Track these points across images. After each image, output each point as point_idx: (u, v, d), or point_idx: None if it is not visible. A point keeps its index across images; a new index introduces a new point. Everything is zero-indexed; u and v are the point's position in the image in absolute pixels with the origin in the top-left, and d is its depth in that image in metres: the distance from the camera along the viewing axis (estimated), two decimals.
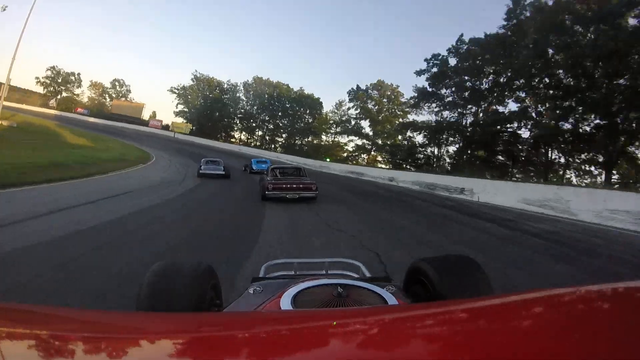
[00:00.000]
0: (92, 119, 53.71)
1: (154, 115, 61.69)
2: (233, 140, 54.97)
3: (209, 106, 54.69)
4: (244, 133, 56.25)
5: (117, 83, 63.77)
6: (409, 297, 1.13)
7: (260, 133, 55.02)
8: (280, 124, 52.56)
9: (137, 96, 77.25)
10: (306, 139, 50.76)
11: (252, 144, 53.30)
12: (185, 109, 56.49)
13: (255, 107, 53.64)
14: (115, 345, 0.46)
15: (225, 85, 55.64)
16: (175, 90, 55.86)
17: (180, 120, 56.50)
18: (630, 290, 0.66)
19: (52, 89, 60.16)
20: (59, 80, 60.11)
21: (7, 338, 0.46)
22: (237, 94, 55.08)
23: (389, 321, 0.59)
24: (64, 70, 60.52)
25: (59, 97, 60.78)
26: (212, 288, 1.06)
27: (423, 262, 1.14)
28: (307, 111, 51.06)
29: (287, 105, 51.42)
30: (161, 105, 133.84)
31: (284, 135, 53.00)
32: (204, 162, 15.08)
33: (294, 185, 9.04)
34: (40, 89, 59.74)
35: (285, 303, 0.86)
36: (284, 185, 8.94)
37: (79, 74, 61.76)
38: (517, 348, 0.40)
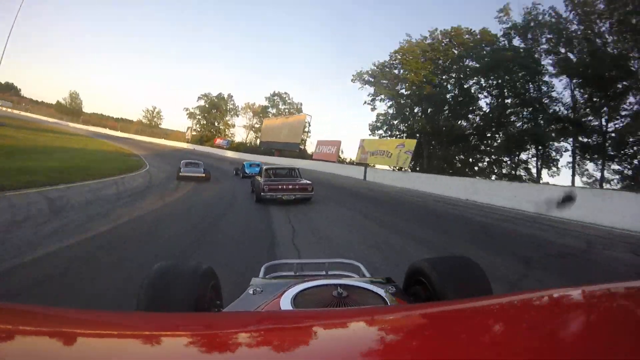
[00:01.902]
0: (229, 153, 32.31)
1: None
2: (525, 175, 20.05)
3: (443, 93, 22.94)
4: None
5: (277, 99, 41.67)
6: (409, 297, 1.11)
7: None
8: None
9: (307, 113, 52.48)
10: None
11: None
12: (387, 110, 26.91)
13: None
14: (115, 345, 0.46)
15: (478, 32, 22.15)
16: (362, 74, 27.20)
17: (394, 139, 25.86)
18: (630, 290, 0.65)
19: (203, 122, 44.32)
20: (207, 106, 43.51)
21: (7, 338, 0.45)
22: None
23: (388, 321, 0.57)
24: (213, 95, 43.81)
25: (194, 127, 44.55)
26: (212, 288, 1.06)
27: (423, 263, 1.10)
28: None
29: None
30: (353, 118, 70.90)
31: None
32: (183, 164, 13.59)
33: (290, 186, 8.63)
34: (189, 123, 45.20)
35: (285, 303, 0.84)
36: (279, 187, 8.55)
37: (229, 95, 44.07)
38: (518, 348, 0.40)
